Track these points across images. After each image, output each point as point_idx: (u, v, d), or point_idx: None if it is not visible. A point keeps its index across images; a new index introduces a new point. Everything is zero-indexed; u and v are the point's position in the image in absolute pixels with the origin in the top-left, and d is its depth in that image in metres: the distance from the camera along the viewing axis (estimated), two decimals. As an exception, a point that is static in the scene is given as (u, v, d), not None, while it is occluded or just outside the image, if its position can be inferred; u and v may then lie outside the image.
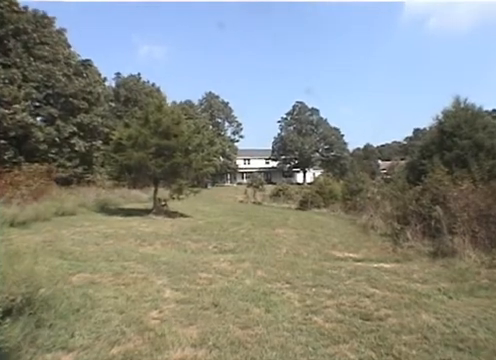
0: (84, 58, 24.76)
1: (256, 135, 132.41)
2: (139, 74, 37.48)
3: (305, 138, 63.98)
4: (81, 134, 23.52)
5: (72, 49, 24.00)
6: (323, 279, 6.17)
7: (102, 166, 23.44)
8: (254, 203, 30.53)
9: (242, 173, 64.36)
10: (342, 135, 69.49)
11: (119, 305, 4.66)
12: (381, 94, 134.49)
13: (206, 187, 47.31)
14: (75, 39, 63.10)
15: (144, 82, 37.22)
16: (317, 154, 67.32)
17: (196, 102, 58.79)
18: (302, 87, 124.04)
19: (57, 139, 21.63)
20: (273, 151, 66.15)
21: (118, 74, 37.90)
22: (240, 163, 63.86)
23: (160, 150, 14.74)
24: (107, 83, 31.41)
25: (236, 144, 62.20)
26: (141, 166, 14.44)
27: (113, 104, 34.37)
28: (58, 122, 22.04)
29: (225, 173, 61.06)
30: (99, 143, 24.57)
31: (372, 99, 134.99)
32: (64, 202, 14.22)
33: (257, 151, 68.15)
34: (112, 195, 19.55)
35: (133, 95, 35.08)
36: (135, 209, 17.27)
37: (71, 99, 22.65)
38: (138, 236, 9.96)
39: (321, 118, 67.90)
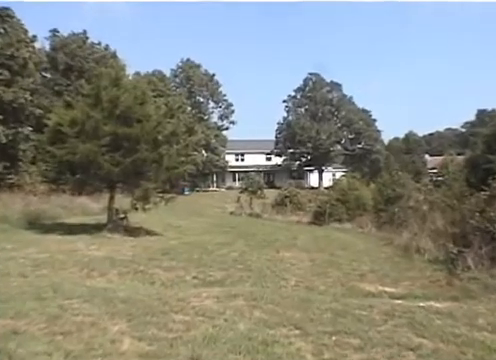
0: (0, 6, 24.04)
1: (253, 120, 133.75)
2: (85, 33, 36.55)
3: (322, 124, 64.52)
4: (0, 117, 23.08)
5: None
6: (347, 323, 6.12)
7: (33, 163, 23.24)
8: (250, 215, 30.57)
9: (233, 173, 64.63)
10: (373, 120, 70.34)
11: (55, 364, 4.58)
12: (429, 62, 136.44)
13: (183, 193, 47.20)
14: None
15: (93, 44, 36.39)
16: (338, 147, 67.94)
17: (168, 73, 59.13)
18: (317, 54, 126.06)
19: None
20: (277, 143, 66.63)
21: (55, 32, 36.69)
22: (231, 159, 64.19)
23: (117, 141, 14.74)
24: (38, 44, 30.39)
25: (225, 133, 62.68)
26: (90, 163, 14.40)
27: (48, 75, 33.75)
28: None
29: (210, 174, 61.26)
30: (28, 130, 24.22)
31: (416, 68, 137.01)
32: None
33: (254, 143, 68.56)
34: (48, 205, 19.45)
35: (77, 63, 34.27)
36: (81, 224, 17.22)
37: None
38: (85, 263, 9.91)
39: (344, 96, 68.64)
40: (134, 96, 15.24)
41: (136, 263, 10.23)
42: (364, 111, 69.58)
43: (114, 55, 36.42)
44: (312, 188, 55.50)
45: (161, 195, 16.29)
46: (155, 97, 33.21)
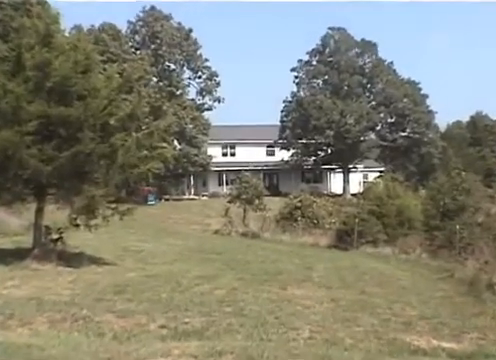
0: None
1: (248, 98, 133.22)
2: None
3: (348, 102, 64.65)
4: None
5: None
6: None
7: None
8: (244, 235, 30.55)
9: (220, 174, 64.87)
10: (424, 96, 70.52)
11: None
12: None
13: (146, 203, 46.95)
14: None
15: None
16: (372, 135, 68.26)
17: (124, 28, 59.30)
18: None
19: None
20: (282, 130, 66.82)
21: None
22: (216, 154, 64.31)
23: (49, 127, 14.70)
24: None
25: (207, 115, 62.83)
26: (8, 160, 14.30)
27: None
28: None
29: (185, 175, 61.42)
30: None
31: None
32: None
33: (250, 130, 68.63)
34: None
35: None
36: (-6, 249, 17.05)
37: None
38: (-1, 307, 9.84)
39: (381, 62, 68.69)
40: (73, 61, 15.12)
41: (76, 306, 10.15)
42: (410, 83, 69.78)
43: (42, 0, 36.37)
44: (334, 195, 55.54)
45: (114, 206, 16.22)
46: (105, 63, 33.04)
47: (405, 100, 67.57)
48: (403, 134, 68.72)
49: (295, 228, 30.38)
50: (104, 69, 18.04)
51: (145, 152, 16.70)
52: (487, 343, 9.09)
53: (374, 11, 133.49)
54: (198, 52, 62.08)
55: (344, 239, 26.21)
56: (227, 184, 60.60)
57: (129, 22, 61.03)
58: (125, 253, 18.32)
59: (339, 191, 63.74)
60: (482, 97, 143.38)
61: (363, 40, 68.19)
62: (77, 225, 16.13)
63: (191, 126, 57.88)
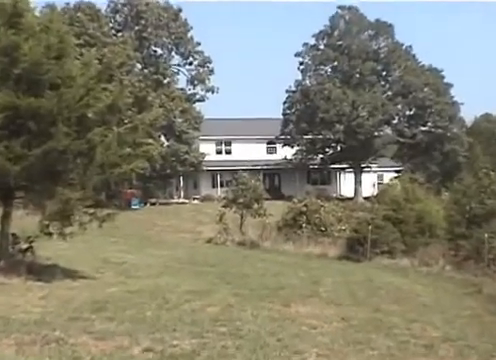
0: None
1: (246, 86, 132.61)
2: None
3: (360, 92, 64.74)
4: None
5: None
6: None
7: None
8: (241, 245, 30.62)
9: (213, 174, 64.88)
10: (448, 85, 70.49)
11: None
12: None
13: (129, 207, 46.93)
14: None
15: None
16: (388, 130, 68.23)
17: (104, 7, 59.43)
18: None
19: None
20: (285, 124, 66.84)
21: None
22: (209, 151, 64.19)
23: (17, 120, 14.69)
24: None
25: (199, 107, 62.94)
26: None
27: None
28: None
29: (174, 175, 61.56)
30: None
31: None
32: None
33: (248, 124, 68.95)
34: None
35: None
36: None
37: None
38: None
39: (397, 45, 68.49)
40: (45, 45, 15.12)
41: (48, 326, 10.11)
42: (432, 71, 69.75)
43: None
44: (344, 199, 55.75)
45: (92, 211, 16.19)
46: (82, 47, 33.13)
47: (426, 90, 67.46)
48: (424, 129, 68.59)
49: (300, 236, 30.36)
50: (81, 54, 18.08)
51: (128, 149, 16.69)
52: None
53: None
54: (188, 35, 61.89)
55: (356, 249, 26.20)
56: (222, 186, 60.68)
57: (109, 0, 60.92)
58: (105, 265, 18.27)
59: (350, 194, 63.82)
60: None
61: (378, 21, 67.96)
62: (49, 233, 16.07)
63: (181, 120, 57.90)
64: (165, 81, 59.81)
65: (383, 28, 67.89)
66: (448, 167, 65.74)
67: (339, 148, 65.95)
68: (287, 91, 67.90)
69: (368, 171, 66.89)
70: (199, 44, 62.23)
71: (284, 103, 67.62)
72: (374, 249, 25.56)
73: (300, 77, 68.01)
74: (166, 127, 54.72)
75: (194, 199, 61.11)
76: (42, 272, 15.62)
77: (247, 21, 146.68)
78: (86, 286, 14.58)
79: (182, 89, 62.08)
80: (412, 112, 68.66)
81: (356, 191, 63.74)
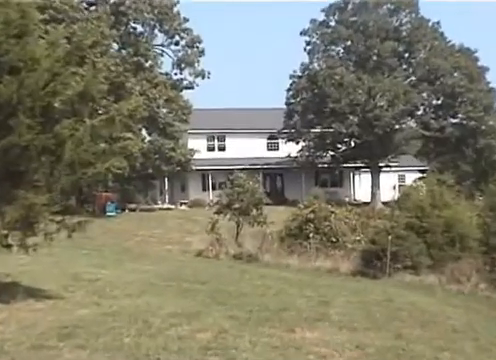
0: None
1: (243, 70, 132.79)
2: None
3: (378, 77, 64.71)
4: None
5: None
6: None
7: None
8: (237, 258, 30.74)
9: (204, 175, 65.43)
10: (482, 69, 70.45)
11: None
12: None
13: (104, 214, 47.02)
14: None
15: None
16: (411, 123, 68.44)
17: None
18: None
19: None
20: (289, 115, 67.12)
21: None
22: (200, 147, 64.44)
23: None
24: None
25: (187, 95, 63.11)
26: None
27: None
28: None
29: (158, 176, 61.87)
30: None
31: None
32: None
33: (245, 115, 69.36)
34: None
35: None
36: None
37: None
38: None
39: (423, 21, 68.31)
40: (3, 21, 15.08)
41: (6, 356, 10.10)
42: (464, 52, 69.79)
43: None
44: (359, 204, 55.95)
45: (60, 218, 16.12)
46: (47, 23, 33.11)
47: (456, 74, 67.71)
48: (454, 121, 68.88)
49: (306, 249, 30.26)
50: (46, 32, 17.97)
51: (103, 145, 16.63)
52: None
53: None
54: (174, 9, 61.46)
55: (373, 263, 26.14)
56: (214, 189, 60.99)
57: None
58: (75, 283, 18.15)
59: (366, 198, 64.28)
60: None
61: (398, -6, 68.09)
62: (9, 245, 15.94)
63: (165, 110, 57.95)
64: (147, 64, 59.52)
65: (405, 1, 67.66)
66: (483, 166, 65.91)
67: (353, 144, 66.35)
68: (291, 76, 68.33)
69: (387, 171, 67.30)
70: (187, 20, 61.82)
71: (288, 91, 68.00)
72: (395, 263, 25.52)
73: (307, 60, 68.31)
74: (148, 119, 54.34)
75: (181, 204, 61.64)
76: (0, 292, 15.55)
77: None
78: (52, 308, 14.49)
79: (167, 74, 62.20)
80: (440, 101, 68.95)
81: (373, 195, 64.04)
